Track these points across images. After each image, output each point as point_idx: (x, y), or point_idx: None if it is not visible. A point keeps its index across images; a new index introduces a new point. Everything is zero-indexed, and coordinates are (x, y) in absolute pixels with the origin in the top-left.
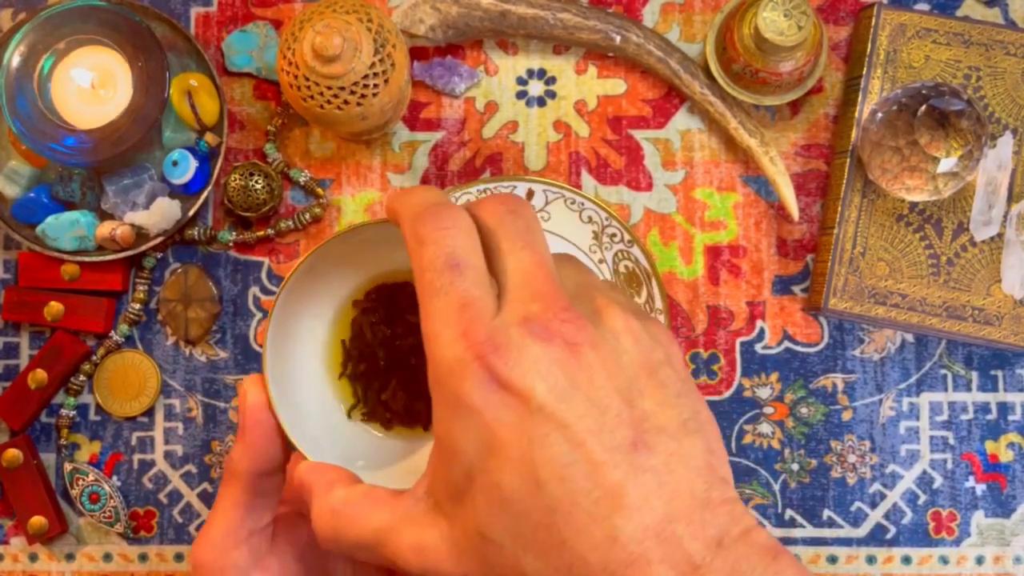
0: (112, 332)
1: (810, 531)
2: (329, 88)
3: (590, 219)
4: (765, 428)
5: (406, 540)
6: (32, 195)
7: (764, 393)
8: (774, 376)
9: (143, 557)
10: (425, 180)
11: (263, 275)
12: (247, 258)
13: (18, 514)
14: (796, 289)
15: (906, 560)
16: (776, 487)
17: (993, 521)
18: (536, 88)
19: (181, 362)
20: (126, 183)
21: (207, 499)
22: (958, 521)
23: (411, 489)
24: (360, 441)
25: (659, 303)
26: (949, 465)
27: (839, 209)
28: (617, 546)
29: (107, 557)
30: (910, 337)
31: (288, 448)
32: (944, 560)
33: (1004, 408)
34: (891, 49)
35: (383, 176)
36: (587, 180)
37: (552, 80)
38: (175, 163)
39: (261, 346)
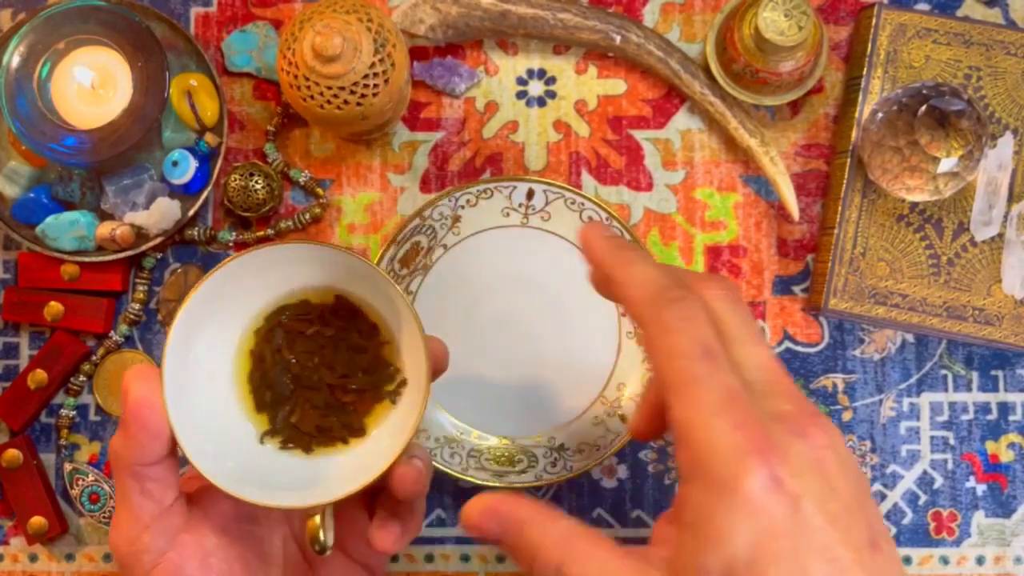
0: (112, 332)
1: None
2: (329, 88)
3: (590, 219)
4: None
5: None
6: (32, 195)
7: None
8: None
9: None
10: (425, 180)
11: None
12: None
13: (18, 514)
14: (796, 289)
15: (906, 560)
16: None
17: (993, 521)
18: (536, 88)
19: None
20: (126, 183)
21: None
22: (959, 521)
23: (647, 551)
24: (282, 465)
25: None
26: (949, 465)
27: (839, 209)
28: None
29: (107, 558)
30: (910, 337)
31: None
32: (945, 560)
33: (1004, 408)
34: (891, 49)
35: (383, 176)
36: (587, 180)
37: (552, 80)
38: (175, 163)
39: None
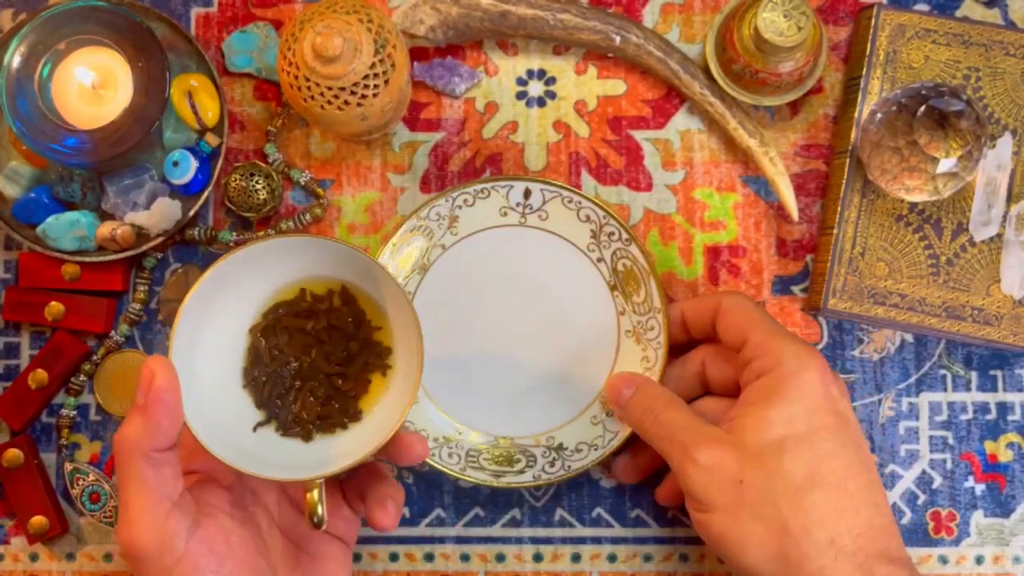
0: (112, 332)
1: None
2: (329, 88)
3: (587, 218)
4: None
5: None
6: (33, 195)
7: None
8: None
9: None
10: (425, 180)
11: None
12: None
13: (19, 514)
14: (796, 289)
15: None
16: None
17: (992, 521)
18: (536, 88)
19: None
20: (127, 183)
21: None
22: (957, 521)
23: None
24: (282, 451)
25: (657, 303)
26: (948, 465)
27: (838, 209)
28: None
29: (107, 557)
30: (909, 337)
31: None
32: (943, 560)
33: (1003, 408)
34: (891, 49)
35: (383, 176)
36: (587, 180)
37: (552, 80)
38: (176, 163)
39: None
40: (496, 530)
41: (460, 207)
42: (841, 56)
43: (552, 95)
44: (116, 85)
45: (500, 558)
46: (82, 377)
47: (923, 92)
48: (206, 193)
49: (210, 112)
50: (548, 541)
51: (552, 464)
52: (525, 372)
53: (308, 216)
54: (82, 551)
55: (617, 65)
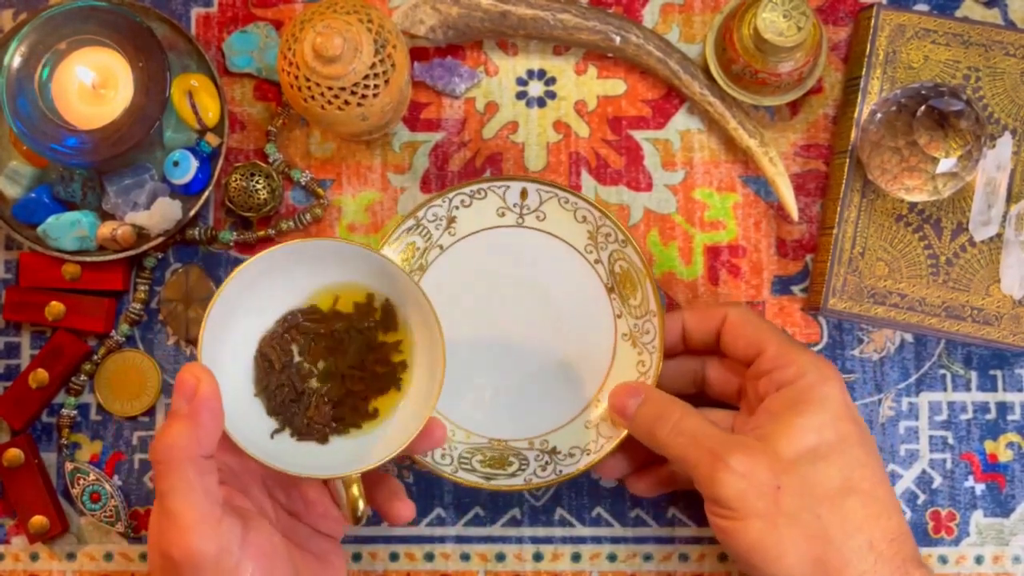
0: (113, 332)
1: None
2: (330, 88)
3: (584, 218)
4: None
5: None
6: (33, 195)
7: None
8: None
9: (144, 556)
10: (425, 180)
11: None
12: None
13: (19, 514)
14: (795, 289)
15: None
16: None
17: (992, 521)
18: (536, 89)
19: (182, 362)
20: (127, 183)
21: None
22: (957, 521)
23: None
24: (300, 454)
25: (653, 306)
26: (948, 465)
27: (838, 209)
28: None
29: (108, 556)
30: (909, 337)
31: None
32: (943, 559)
33: (1003, 408)
34: (890, 50)
35: (383, 176)
36: (587, 180)
37: (552, 81)
38: (176, 163)
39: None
40: (496, 529)
41: (457, 208)
42: (841, 56)
43: (552, 95)
44: (116, 85)
45: (500, 557)
46: (82, 377)
47: (923, 92)
48: (206, 193)
49: (210, 112)
50: (548, 541)
51: (544, 468)
52: (522, 375)
53: (308, 216)
54: (83, 551)
55: (617, 65)
